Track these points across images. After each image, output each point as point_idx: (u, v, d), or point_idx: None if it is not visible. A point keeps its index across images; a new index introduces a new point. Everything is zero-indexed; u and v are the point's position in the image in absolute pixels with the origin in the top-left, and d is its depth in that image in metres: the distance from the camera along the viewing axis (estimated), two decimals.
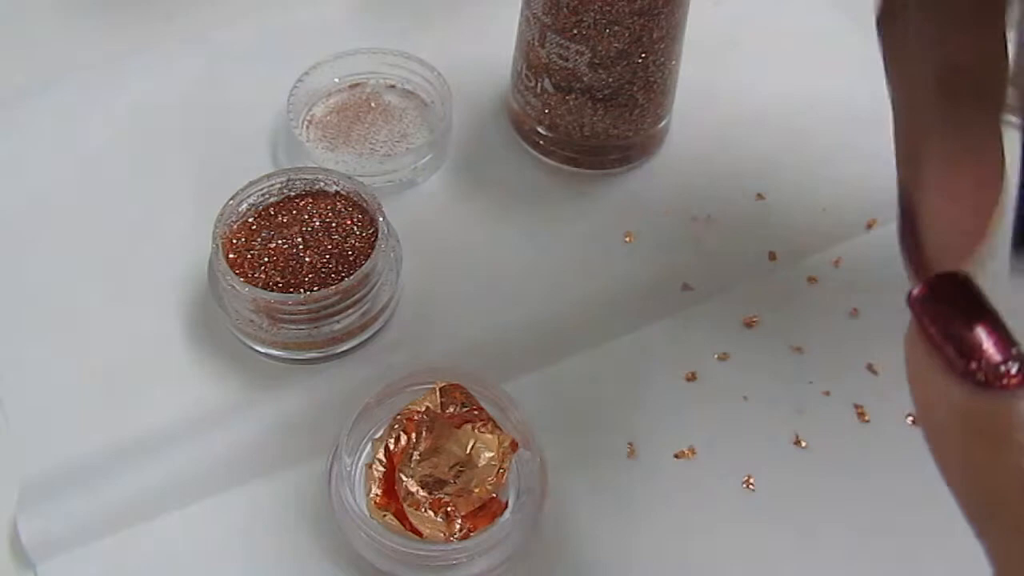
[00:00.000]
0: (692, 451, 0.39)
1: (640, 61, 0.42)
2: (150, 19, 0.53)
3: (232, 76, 0.51)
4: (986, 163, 0.21)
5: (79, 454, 0.38)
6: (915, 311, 0.21)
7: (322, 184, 0.42)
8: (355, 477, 0.36)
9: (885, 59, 0.23)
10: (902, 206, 0.23)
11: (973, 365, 0.20)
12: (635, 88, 0.43)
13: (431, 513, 0.34)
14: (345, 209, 0.41)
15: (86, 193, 0.46)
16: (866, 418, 0.40)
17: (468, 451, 0.36)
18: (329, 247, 0.40)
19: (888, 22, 0.24)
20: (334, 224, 0.41)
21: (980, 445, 0.20)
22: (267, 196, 0.41)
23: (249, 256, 0.40)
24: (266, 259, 0.40)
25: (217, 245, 0.39)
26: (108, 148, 0.48)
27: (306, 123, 0.48)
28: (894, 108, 0.23)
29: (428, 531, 0.34)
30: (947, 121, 0.21)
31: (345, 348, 0.41)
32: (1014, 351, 0.20)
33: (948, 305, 0.21)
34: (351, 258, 0.40)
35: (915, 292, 0.21)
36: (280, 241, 0.40)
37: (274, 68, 0.49)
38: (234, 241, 0.40)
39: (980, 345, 0.20)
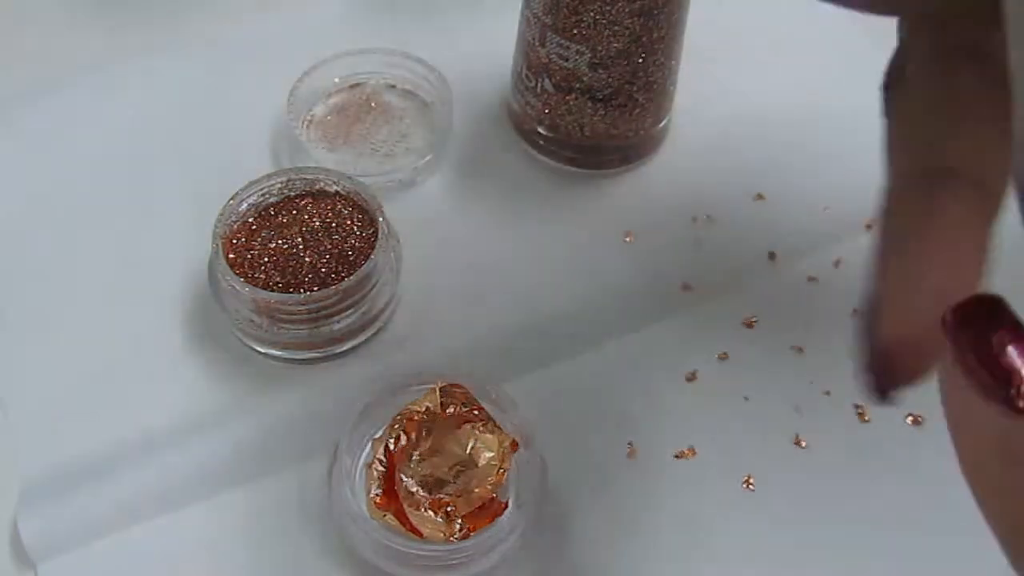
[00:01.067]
0: (692, 451, 0.39)
1: (640, 61, 0.42)
2: (150, 19, 0.53)
3: (232, 76, 0.51)
4: (963, 275, 0.20)
5: (79, 454, 0.38)
6: (949, 335, 0.20)
7: (322, 184, 0.42)
8: (355, 477, 0.36)
9: (884, 133, 0.23)
10: (867, 296, 0.22)
11: (1012, 391, 0.19)
12: (635, 88, 0.43)
13: (431, 513, 0.34)
14: (345, 209, 0.41)
15: (86, 193, 0.46)
16: (866, 418, 0.40)
17: (468, 451, 0.36)
18: (329, 247, 0.40)
19: (889, 93, 0.23)
20: (334, 224, 0.41)
21: (1017, 473, 0.19)
22: (267, 196, 0.41)
23: (249, 256, 0.40)
24: (266, 259, 0.40)
25: (217, 245, 0.39)
26: (108, 148, 0.48)
27: (306, 123, 0.48)
28: (885, 184, 0.23)
29: (428, 531, 0.34)
30: (931, 223, 0.21)
31: (345, 348, 0.41)
32: None
33: (983, 329, 0.19)
34: (351, 258, 0.40)
35: (948, 316, 0.20)
36: (280, 241, 0.40)
37: (274, 68, 0.49)
38: (234, 241, 0.40)
39: (1017, 370, 0.19)
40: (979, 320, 0.19)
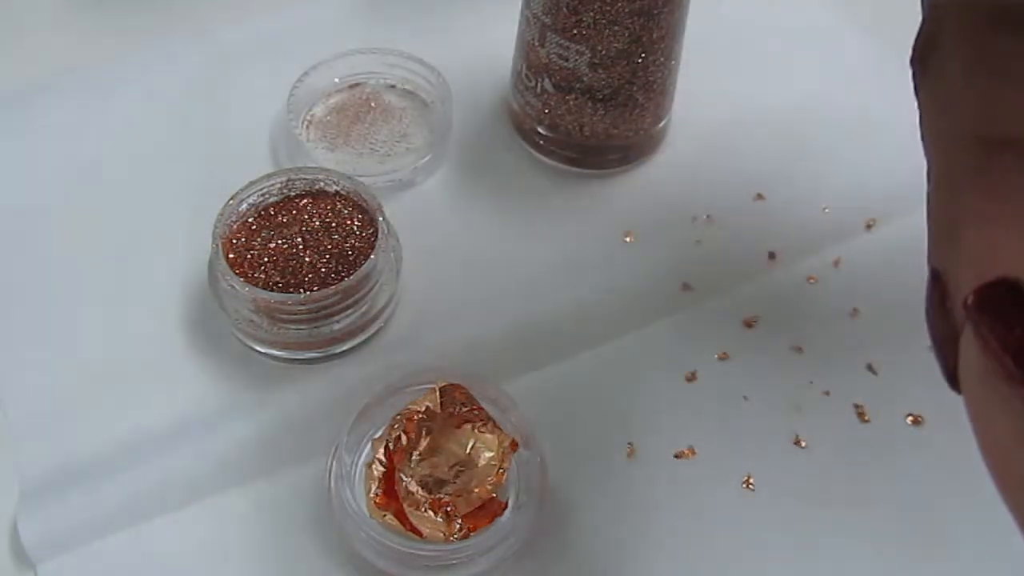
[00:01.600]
0: (692, 451, 0.39)
1: (640, 61, 0.42)
2: (150, 19, 0.53)
3: (232, 76, 0.51)
4: None
5: (79, 454, 0.38)
6: (971, 319, 0.19)
7: (322, 184, 0.42)
8: (355, 477, 0.36)
9: (920, 106, 0.22)
10: (931, 278, 0.21)
11: None
12: (635, 88, 0.43)
13: (431, 513, 0.34)
14: (345, 209, 0.41)
15: (86, 193, 0.46)
16: (866, 418, 0.40)
17: (468, 451, 0.36)
18: (329, 247, 0.40)
19: (924, 65, 0.22)
20: (334, 224, 0.41)
21: None
22: (267, 196, 0.41)
23: (249, 256, 0.40)
24: (266, 259, 0.40)
25: (217, 245, 0.39)
26: (108, 148, 0.48)
27: (306, 123, 0.48)
28: (928, 162, 0.21)
29: (428, 531, 0.34)
30: (987, 177, 0.19)
31: (345, 348, 0.41)
32: None
33: (1007, 312, 0.18)
34: (351, 258, 0.40)
35: (970, 299, 0.19)
36: (280, 241, 0.40)
37: (274, 68, 0.49)
38: (234, 241, 0.40)
39: None
40: (1002, 304, 0.18)
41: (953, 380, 0.21)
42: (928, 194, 0.22)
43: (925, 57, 0.22)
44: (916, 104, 0.22)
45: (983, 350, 0.18)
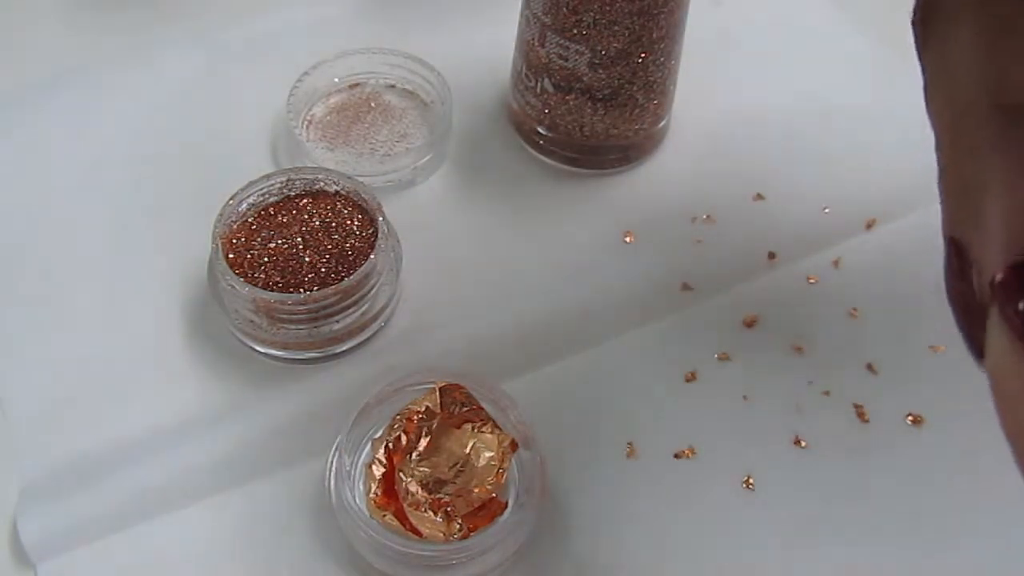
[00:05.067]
0: (692, 451, 0.39)
1: (640, 61, 0.42)
2: (150, 19, 0.53)
3: (232, 76, 0.51)
4: None
5: (79, 454, 0.38)
6: (999, 299, 0.18)
7: (322, 184, 0.42)
8: (355, 477, 0.36)
9: (924, 71, 0.21)
10: (949, 248, 0.20)
11: None
12: (635, 88, 0.43)
13: (431, 513, 0.34)
14: (345, 209, 0.41)
15: (86, 193, 0.46)
16: (866, 418, 0.40)
17: (468, 451, 0.36)
18: (329, 247, 0.40)
19: (929, 27, 0.21)
20: (334, 224, 0.41)
21: None
22: (267, 196, 0.41)
23: (249, 256, 0.40)
24: (266, 259, 0.40)
25: (217, 245, 0.39)
26: (108, 148, 0.48)
27: (306, 123, 0.48)
28: (936, 131, 0.21)
29: (428, 531, 0.34)
30: (1009, 146, 0.18)
31: (345, 348, 0.41)
32: None
33: None
34: (351, 258, 0.40)
35: (998, 277, 0.18)
36: (280, 241, 0.40)
37: (274, 68, 0.49)
38: (234, 241, 0.40)
39: None
40: None
41: (977, 351, 0.20)
42: (939, 162, 0.21)
43: (927, 19, 0.21)
44: (920, 68, 0.21)
45: (1009, 329, 0.18)
